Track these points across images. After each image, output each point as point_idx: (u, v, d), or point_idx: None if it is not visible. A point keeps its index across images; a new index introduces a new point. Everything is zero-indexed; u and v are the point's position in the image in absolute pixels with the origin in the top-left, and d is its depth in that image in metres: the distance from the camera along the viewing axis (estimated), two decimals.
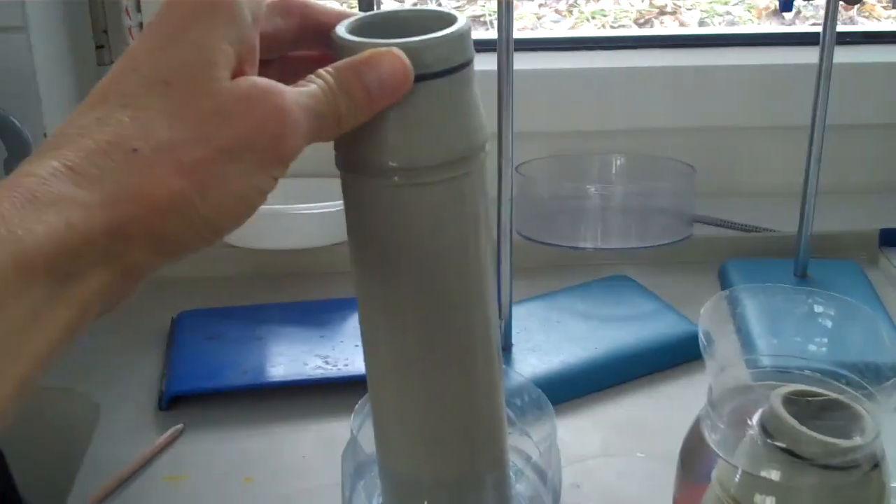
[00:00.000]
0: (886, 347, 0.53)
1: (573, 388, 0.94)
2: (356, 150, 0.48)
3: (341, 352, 0.95)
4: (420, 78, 0.46)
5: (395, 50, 0.45)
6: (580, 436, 0.89)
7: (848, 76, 1.22)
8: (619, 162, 1.24)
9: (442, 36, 0.46)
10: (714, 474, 0.55)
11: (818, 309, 0.57)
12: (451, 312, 0.52)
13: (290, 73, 0.47)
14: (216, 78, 0.41)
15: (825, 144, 1.02)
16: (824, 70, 0.99)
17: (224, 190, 0.41)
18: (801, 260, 1.07)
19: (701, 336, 0.54)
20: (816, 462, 0.51)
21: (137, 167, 0.39)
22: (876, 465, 0.53)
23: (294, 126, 0.42)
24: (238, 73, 0.42)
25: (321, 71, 0.45)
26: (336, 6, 0.50)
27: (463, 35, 0.47)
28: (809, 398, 0.52)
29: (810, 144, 1.03)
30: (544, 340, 0.98)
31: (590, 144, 1.28)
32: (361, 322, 0.53)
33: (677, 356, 0.98)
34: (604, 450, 0.88)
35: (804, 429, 0.51)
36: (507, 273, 0.93)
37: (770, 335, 0.58)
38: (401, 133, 0.47)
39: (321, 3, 0.50)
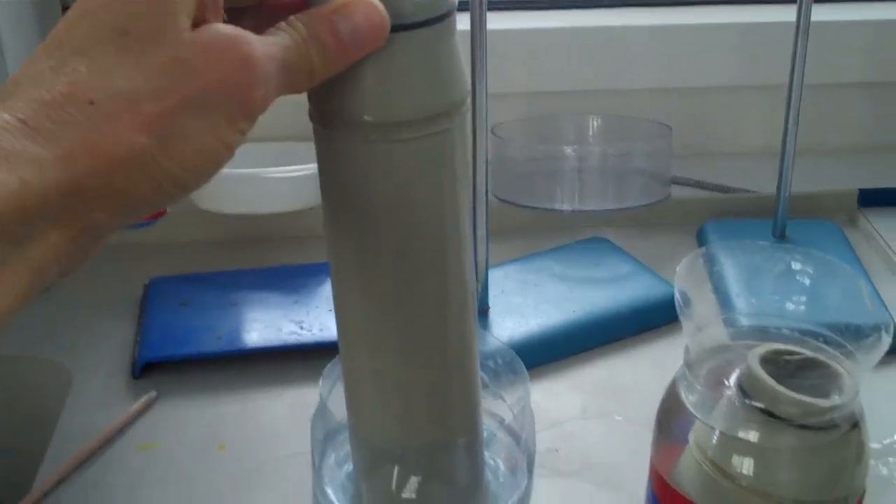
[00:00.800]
0: (866, 305, 0.52)
1: (551, 351, 0.93)
2: (330, 103, 0.46)
3: (316, 317, 0.94)
4: (397, 28, 0.44)
5: None
6: (558, 399, 0.88)
7: (827, 34, 1.21)
8: (595, 123, 1.23)
9: None
10: (691, 436, 0.54)
11: (796, 266, 0.56)
12: (426, 274, 0.50)
13: (266, 21, 0.44)
14: (176, 27, 0.39)
15: (804, 104, 1.01)
16: (802, 28, 0.98)
17: (188, 143, 0.39)
18: (780, 220, 1.06)
19: (677, 295, 0.53)
20: (794, 422, 0.50)
21: (95, 120, 0.37)
22: (855, 424, 0.52)
23: (264, 77, 0.40)
24: (200, 20, 0.40)
25: (292, 19, 0.43)
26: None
27: None
28: (787, 357, 0.52)
29: (788, 104, 1.01)
30: (521, 303, 0.97)
31: (566, 105, 1.27)
32: (333, 283, 0.52)
33: (656, 318, 0.97)
34: (582, 413, 0.87)
35: (782, 388, 0.50)
36: (483, 236, 0.92)
37: (748, 294, 0.57)
38: (377, 86, 0.45)
39: None
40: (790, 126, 1.02)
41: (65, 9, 1.13)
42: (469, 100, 0.48)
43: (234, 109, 0.40)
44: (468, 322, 0.52)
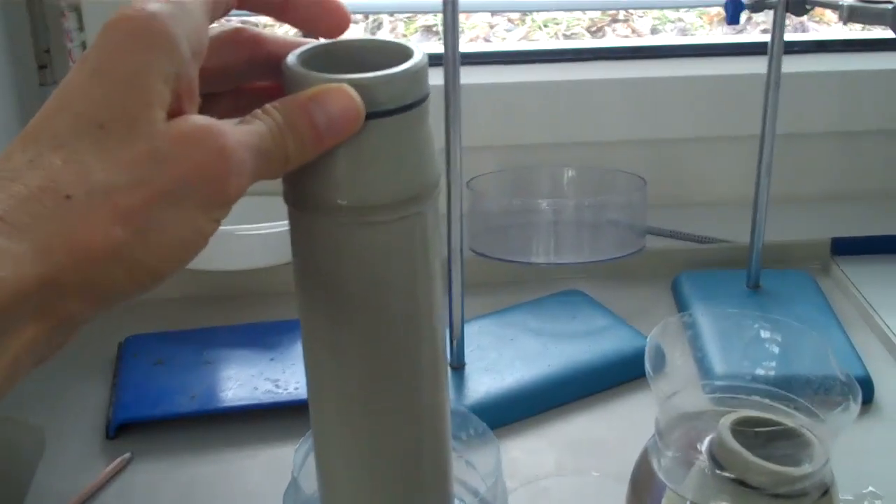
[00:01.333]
0: (835, 373, 0.53)
1: (527, 407, 0.94)
2: (304, 186, 0.46)
3: (292, 375, 0.94)
4: (371, 115, 0.44)
5: (346, 86, 0.43)
6: (534, 455, 0.89)
7: (798, 85, 1.23)
8: (570, 174, 1.24)
9: (396, 72, 0.45)
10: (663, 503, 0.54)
11: (766, 335, 0.57)
12: (398, 352, 0.51)
13: (244, 104, 0.45)
14: (151, 119, 0.39)
15: (776, 153, 1.03)
16: (773, 79, 0.99)
17: (164, 235, 0.39)
18: (754, 271, 1.07)
19: (647, 367, 0.53)
20: (766, 491, 0.50)
21: (71, 214, 0.37)
22: (826, 491, 0.52)
23: (238, 166, 0.41)
24: (176, 110, 0.41)
25: (267, 107, 0.43)
26: (289, 36, 0.48)
27: (418, 72, 0.46)
28: (758, 429, 0.52)
29: (760, 154, 1.03)
30: (497, 358, 0.97)
31: (540, 157, 1.28)
32: (305, 358, 0.52)
33: (631, 372, 0.97)
34: (558, 469, 0.87)
35: (754, 458, 0.50)
36: (459, 291, 0.92)
37: (719, 359, 0.57)
38: (351, 171, 0.45)
39: (272, 33, 0.48)
40: (762, 176, 1.03)
41: (42, 84, 1.14)
42: (442, 180, 0.49)
43: (209, 199, 0.40)
44: (440, 395, 0.52)
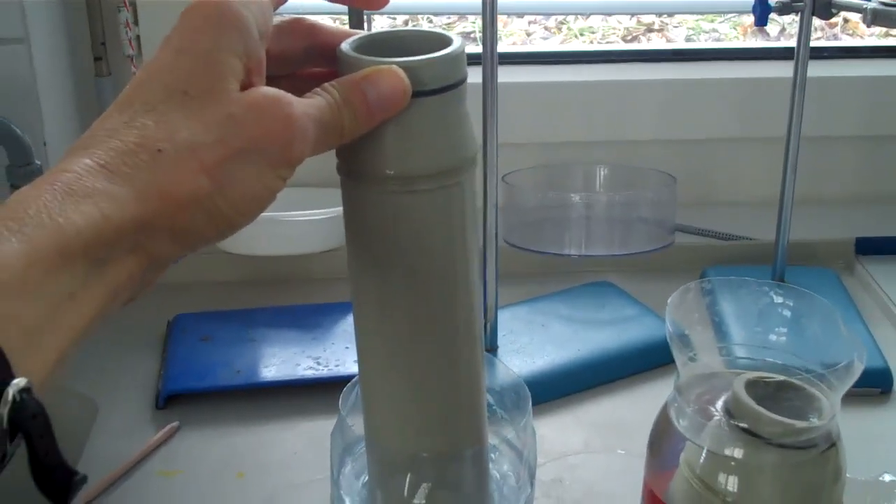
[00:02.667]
0: (842, 335, 0.56)
1: (556, 388, 0.97)
2: (356, 159, 0.52)
3: (332, 353, 0.98)
4: (417, 94, 0.49)
5: (395, 68, 0.49)
6: (563, 433, 0.92)
7: (824, 89, 1.26)
8: (602, 172, 1.27)
9: (438, 56, 0.50)
10: (682, 457, 0.58)
11: (778, 300, 0.60)
12: (439, 307, 0.56)
13: (300, 88, 0.50)
14: (227, 89, 0.45)
15: (802, 155, 1.05)
16: (799, 83, 1.02)
17: (240, 187, 0.44)
18: (779, 267, 1.10)
19: (668, 325, 0.57)
20: (775, 441, 0.54)
21: (163, 166, 0.43)
22: (832, 444, 0.56)
23: (302, 133, 0.46)
24: (247, 84, 0.46)
25: (327, 85, 0.48)
26: (342, 27, 0.54)
27: (457, 56, 0.51)
28: (769, 386, 0.56)
29: (786, 155, 1.05)
30: (528, 343, 1.01)
31: (575, 155, 1.31)
32: (355, 315, 0.57)
33: (657, 358, 1.00)
34: (585, 447, 0.90)
35: (764, 410, 0.54)
36: (493, 278, 0.96)
37: (735, 326, 0.61)
38: (397, 144, 0.50)
39: (328, 23, 0.54)
40: (788, 176, 1.05)
41: (97, 75, 1.19)
42: (478, 155, 0.54)
43: (276, 159, 0.45)
44: (475, 344, 0.57)
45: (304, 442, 0.89)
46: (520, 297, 1.11)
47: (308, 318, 1.05)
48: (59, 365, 0.41)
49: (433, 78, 0.50)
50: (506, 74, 0.91)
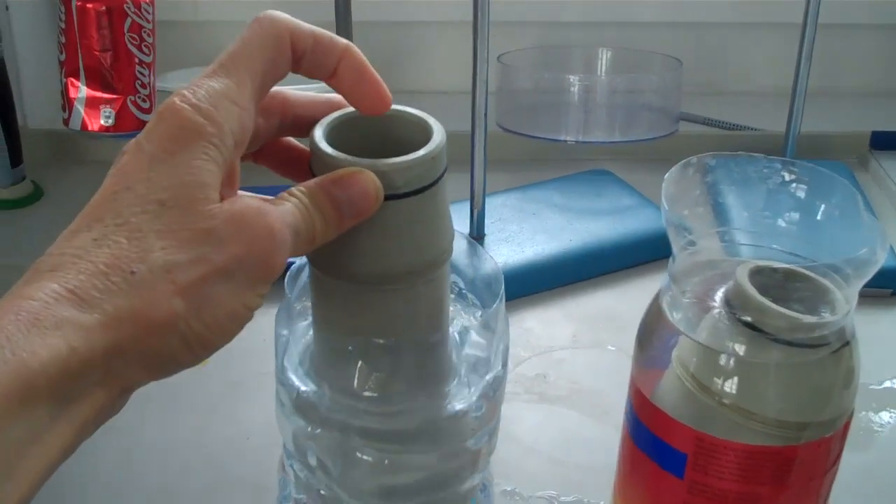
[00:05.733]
0: (861, 219, 0.50)
1: (545, 280, 0.92)
2: (325, 255, 0.49)
3: None
4: (388, 198, 0.47)
5: (366, 172, 0.46)
6: (550, 327, 0.88)
7: None
8: (605, 55, 1.21)
9: (412, 160, 0.47)
10: (674, 353, 0.52)
11: (790, 178, 0.54)
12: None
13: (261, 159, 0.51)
14: (209, 198, 0.42)
15: (818, 43, 1.00)
16: None
17: (217, 308, 0.42)
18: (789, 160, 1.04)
19: (664, 203, 0.51)
20: (781, 338, 0.48)
21: (136, 289, 0.40)
22: (846, 343, 0.50)
23: (282, 245, 0.44)
24: (221, 195, 0.44)
25: (294, 190, 0.46)
26: (316, 95, 0.51)
27: (434, 158, 0.48)
28: (777, 276, 0.50)
29: (802, 41, 1.00)
30: (518, 231, 0.96)
31: (575, 36, 1.26)
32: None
33: (656, 251, 0.96)
34: (573, 341, 0.86)
35: (769, 302, 0.48)
36: (481, 163, 0.91)
37: (740, 208, 0.55)
38: (368, 245, 0.48)
39: (299, 94, 0.51)
40: (802, 64, 1.00)
41: None
42: (451, 246, 0.52)
43: (257, 275, 0.43)
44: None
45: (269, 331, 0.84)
46: (511, 185, 1.06)
47: None
48: None
49: (406, 182, 0.47)
50: None
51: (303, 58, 0.47)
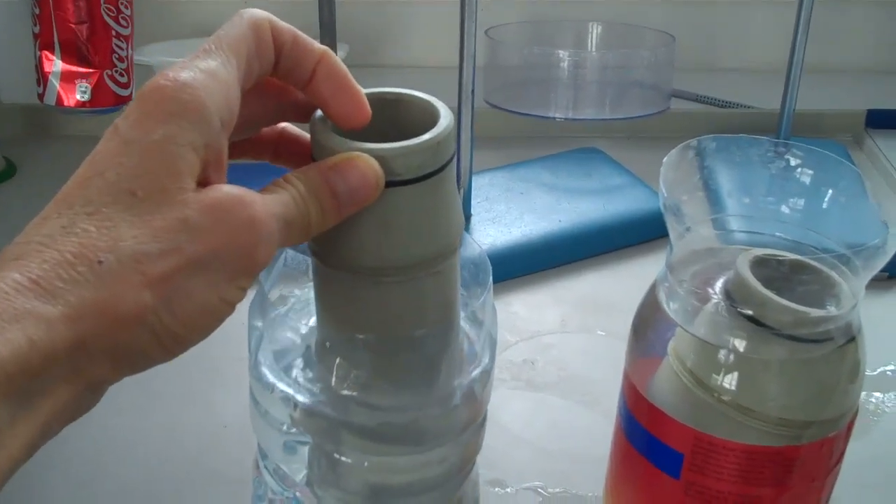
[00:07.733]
0: (870, 208, 0.48)
1: (533, 261, 0.90)
2: (325, 244, 0.47)
3: None
4: (390, 184, 0.45)
5: (366, 157, 0.44)
6: (538, 311, 0.85)
7: None
8: (595, 29, 1.19)
9: (414, 145, 0.44)
10: (670, 345, 0.50)
11: (794, 163, 0.51)
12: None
13: (259, 149, 0.49)
14: (182, 188, 0.40)
15: (815, 19, 0.97)
16: None
17: (190, 302, 0.40)
18: (783, 138, 1.02)
19: (661, 189, 0.48)
20: (784, 332, 0.46)
21: (103, 280, 0.38)
22: (852, 339, 0.47)
23: (268, 236, 0.41)
24: (204, 180, 0.41)
25: (290, 176, 0.43)
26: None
27: (439, 143, 0.45)
28: (780, 266, 0.47)
29: (798, 18, 0.97)
30: (505, 211, 0.93)
31: (566, 11, 1.23)
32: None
33: (647, 232, 0.93)
34: (562, 326, 0.83)
35: (772, 295, 0.45)
36: (468, 140, 0.88)
37: (742, 194, 0.52)
38: (369, 236, 0.46)
39: None
40: (798, 40, 0.98)
41: None
42: (459, 239, 0.49)
43: (237, 268, 0.41)
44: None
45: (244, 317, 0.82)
46: (499, 163, 1.04)
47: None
48: None
49: (408, 168, 0.45)
50: None
51: (282, 53, 0.45)
